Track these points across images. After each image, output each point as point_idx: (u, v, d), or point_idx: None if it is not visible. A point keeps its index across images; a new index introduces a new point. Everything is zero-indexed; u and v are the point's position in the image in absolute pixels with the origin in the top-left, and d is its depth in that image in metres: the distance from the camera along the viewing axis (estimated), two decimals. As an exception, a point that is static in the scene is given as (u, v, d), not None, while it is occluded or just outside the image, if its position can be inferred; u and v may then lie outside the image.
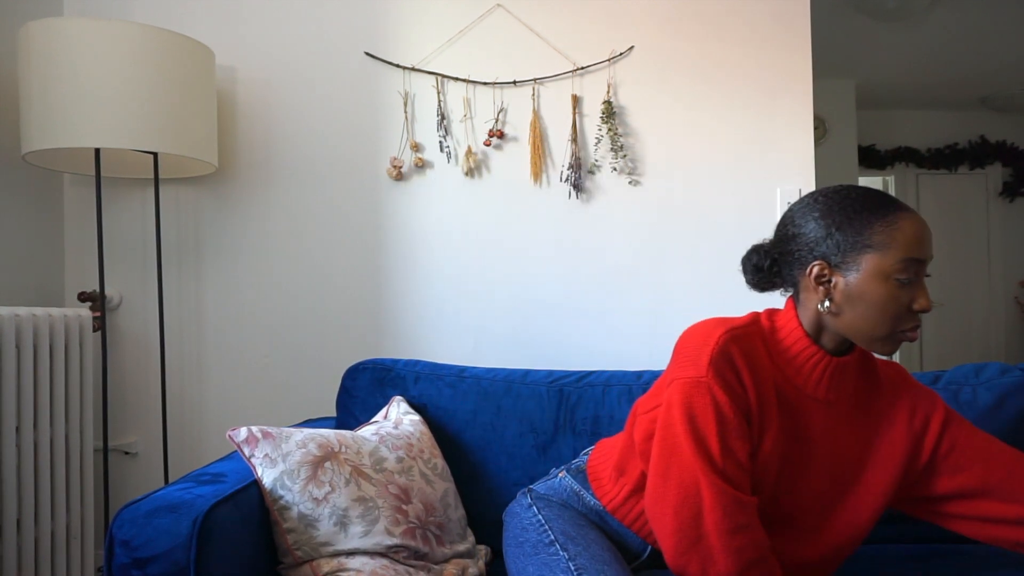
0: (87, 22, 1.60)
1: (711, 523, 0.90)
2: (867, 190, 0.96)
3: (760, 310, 1.06)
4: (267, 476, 1.15)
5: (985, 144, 5.01)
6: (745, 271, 1.07)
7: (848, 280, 0.93)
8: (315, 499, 1.14)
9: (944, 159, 5.04)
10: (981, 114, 5.03)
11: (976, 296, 5.07)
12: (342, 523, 1.14)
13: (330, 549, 1.13)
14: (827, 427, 1.02)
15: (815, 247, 0.95)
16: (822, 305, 0.95)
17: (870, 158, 4.99)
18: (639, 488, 1.08)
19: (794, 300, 1.02)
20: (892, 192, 5.11)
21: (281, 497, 1.14)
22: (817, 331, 0.99)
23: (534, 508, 1.13)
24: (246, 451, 1.16)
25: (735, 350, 0.94)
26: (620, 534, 1.12)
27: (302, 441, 1.19)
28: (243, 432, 1.17)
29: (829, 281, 0.95)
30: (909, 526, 1.40)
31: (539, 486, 1.20)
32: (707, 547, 0.90)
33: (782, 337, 1.00)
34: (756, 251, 1.06)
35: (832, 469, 1.03)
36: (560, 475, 1.20)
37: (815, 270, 0.95)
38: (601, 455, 1.18)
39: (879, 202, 0.93)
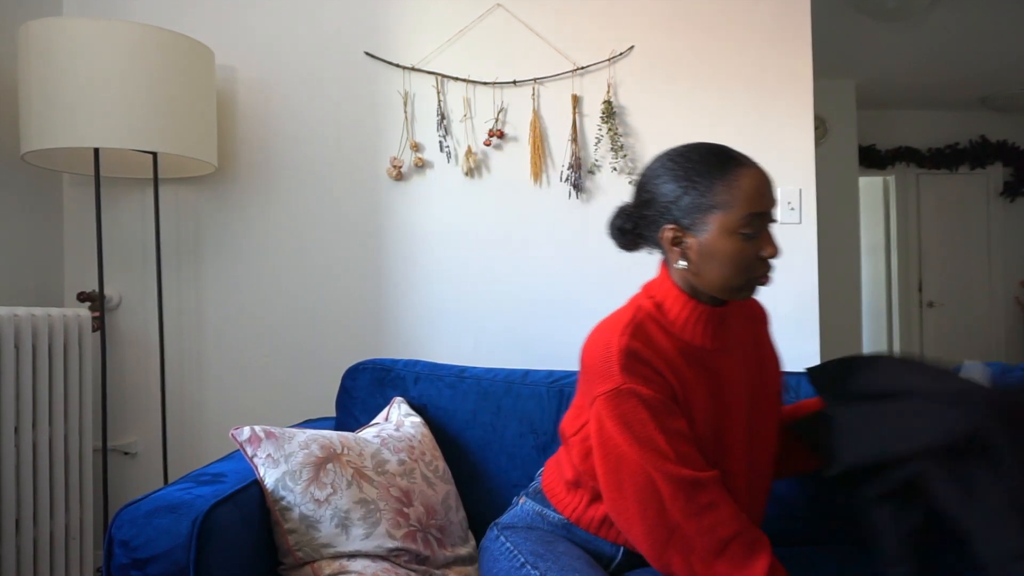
0: (87, 22, 1.60)
1: (676, 512, 0.92)
2: (709, 148, 0.99)
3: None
4: (269, 476, 1.15)
5: (985, 144, 5.01)
6: (611, 234, 1.11)
7: (700, 240, 0.97)
8: (317, 500, 1.14)
9: (944, 159, 5.04)
10: (981, 114, 5.03)
11: (976, 296, 5.07)
12: (343, 525, 1.14)
13: (331, 551, 1.13)
14: (733, 376, 1.07)
15: (666, 211, 0.99)
16: (678, 265, 1.01)
17: (870, 158, 4.99)
18: (597, 496, 1.09)
19: (664, 261, 1.07)
20: (893, 192, 5.11)
21: (283, 498, 1.14)
22: (691, 288, 1.04)
23: (501, 538, 1.14)
24: (248, 450, 1.16)
25: (637, 345, 0.97)
26: (590, 542, 1.12)
27: (305, 442, 1.19)
28: (246, 431, 1.17)
29: (683, 242, 0.99)
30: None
31: (504, 517, 1.21)
32: (681, 537, 0.92)
33: (668, 307, 1.04)
34: (619, 214, 1.09)
35: (748, 413, 1.08)
36: (521, 501, 1.21)
37: (668, 234, 1.00)
38: (553, 472, 1.19)
39: (719, 161, 0.97)
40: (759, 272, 0.99)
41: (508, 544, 1.11)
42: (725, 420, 1.05)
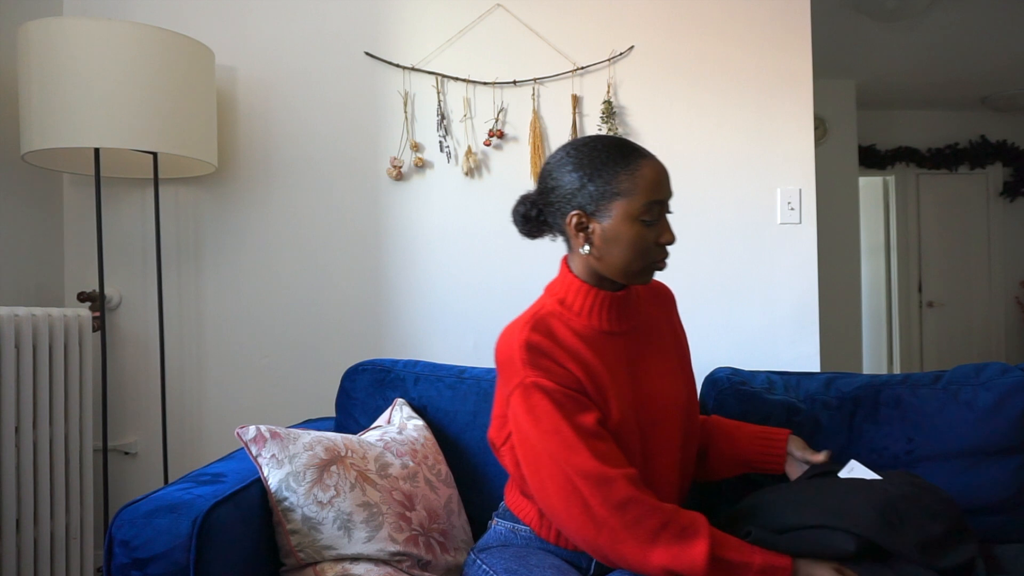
0: (87, 22, 1.60)
1: (599, 507, 0.93)
2: (611, 140, 1.05)
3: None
4: (273, 476, 1.14)
5: (985, 144, 5.01)
6: (515, 221, 1.14)
7: (603, 225, 1.02)
8: (320, 502, 1.14)
9: (944, 159, 5.04)
10: (981, 114, 5.03)
11: (976, 296, 5.07)
12: (346, 527, 1.14)
13: (333, 553, 1.13)
14: (650, 352, 1.11)
15: (572, 198, 1.03)
16: (582, 250, 1.05)
17: (870, 158, 4.99)
18: None
19: (567, 250, 1.12)
20: (893, 192, 5.11)
21: (286, 499, 1.13)
22: (592, 276, 1.08)
23: (478, 561, 1.14)
24: (253, 450, 1.16)
25: (538, 339, 1.01)
26: (561, 552, 1.12)
27: (309, 443, 1.19)
28: (251, 431, 1.16)
29: (587, 228, 1.04)
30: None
31: (480, 540, 1.21)
32: (610, 530, 0.93)
33: (571, 300, 1.08)
34: (523, 201, 1.13)
35: (675, 388, 1.11)
36: (493, 523, 1.21)
37: (574, 220, 1.03)
38: (513, 487, 1.19)
39: (623, 152, 1.02)
40: (657, 257, 1.05)
41: (484, 566, 1.11)
42: (650, 399, 1.08)
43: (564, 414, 0.97)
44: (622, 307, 1.10)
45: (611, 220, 1.01)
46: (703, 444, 1.26)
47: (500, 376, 1.06)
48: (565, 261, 1.12)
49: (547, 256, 1.98)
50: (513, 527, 1.16)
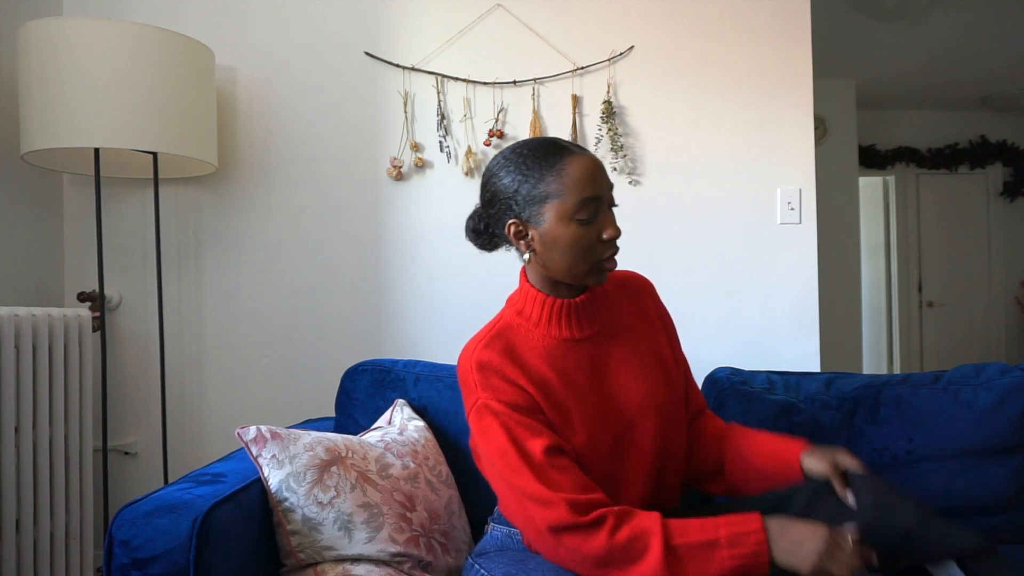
0: (87, 22, 1.60)
1: (545, 530, 0.92)
2: (539, 141, 1.02)
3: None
4: (273, 477, 1.14)
5: (985, 144, 5.01)
6: (468, 237, 1.14)
7: (540, 231, 0.99)
8: (320, 503, 1.14)
9: (944, 159, 5.04)
10: (981, 114, 5.03)
11: (976, 296, 5.07)
12: (346, 528, 1.14)
13: (334, 554, 1.13)
14: (622, 355, 1.08)
15: (508, 207, 1.01)
16: (524, 258, 1.04)
17: (870, 158, 4.99)
18: None
19: (524, 269, 1.10)
20: (892, 192, 5.11)
21: (286, 499, 1.13)
22: (548, 285, 1.06)
23: (476, 566, 1.12)
24: (253, 450, 1.16)
25: (490, 356, 1.00)
26: None
27: (309, 444, 1.19)
28: (252, 431, 1.16)
29: (527, 235, 1.01)
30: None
31: (478, 546, 1.20)
32: (566, 548, 0.92)
33: (529, 311, 1.06)
34: (472, 216, 1.12)
35: (634, 390, 1.08)
36: (489, 528, 1.20)
37: (512, 228, 1.02)
38: None
39: (548, 152, 0.99)
40: (604, 255, 1.01)
41: (483, 571, 1.10)
42: (618, 402, 1.05)
43: (511, 438, 0.95)
44: (583, 312, 1.07)
45: (546, 224, 0.98)
46: (719, 458, 1.17)
47: (462, 392, 1.05)
48: (523, 271, 1.10)
49: (547, 256, 1.98)
50: (508, 531, 1.15)
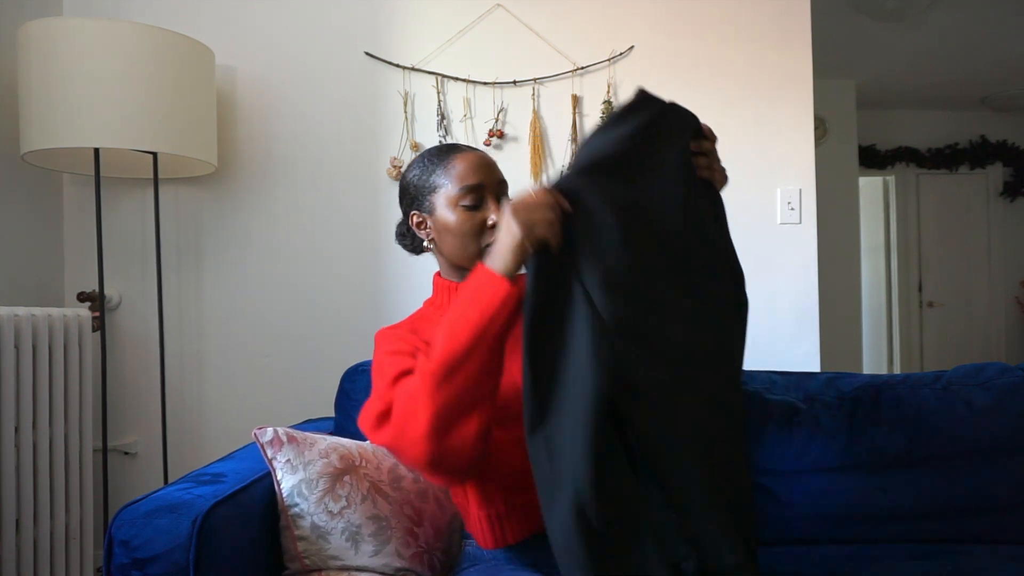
0: (87, 22, 1.60)
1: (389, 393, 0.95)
2: (440, 145, 1.15)
3: None
4: (286, 481, 1.14)
5: (985, 144, 5.01)
6: (397, 241, 1.24)
7: (434, 218, 1.10)
8: (330, 512, 1.13)
9: (944, 159, 5.04)
10: (981, 114, 5.03)
11: (976, 296, 5.07)
12: (354, 539, 1.13)
13: (339, 563, 1.13)
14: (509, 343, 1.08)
15: (412, 201, 1.13)
16: (426, 244, 1.13)
17: (870, 158, 4.99)
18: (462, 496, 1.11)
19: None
20: (892, 192, 5.11)
21: (296, 504, 1.13)
22: (454, 273, 1.13)
23: None
24: (269, 452, 1.15)
25: (392, 329, 1.09)
26: (517, 560, 1.09)
27: (325, 450, 1.18)
28: (269, 433, 1.16)
29: (425, 225, 1.12)
30: (907, 526, 1.40)
31: (457, 565, 1.19)
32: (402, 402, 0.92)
33: (434, 298, 1.16)
34: (400, 223, 1.22)
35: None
36: (464, 544, 1.20)
37: (414, 219, 1.13)
38: (455, 494, 1.17)
39: (443, 151, 1.11)
40: (490, 238, 1.06)
41: None
42: (508, 388, 1.04)
43: (386, 350, 1.02)
44: None
45: (437, 211, 1.08)
46: None
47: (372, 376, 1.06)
48: (437, 274, 1.18)
49: (547, 256, 1.98)
50: (474, 543, 1.13)
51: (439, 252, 1.13)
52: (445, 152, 1.11)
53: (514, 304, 0.87)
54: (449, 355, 0.86)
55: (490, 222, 1.07)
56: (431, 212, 1.10)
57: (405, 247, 1.23)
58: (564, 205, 0.87)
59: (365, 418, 0.97)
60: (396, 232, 1.23)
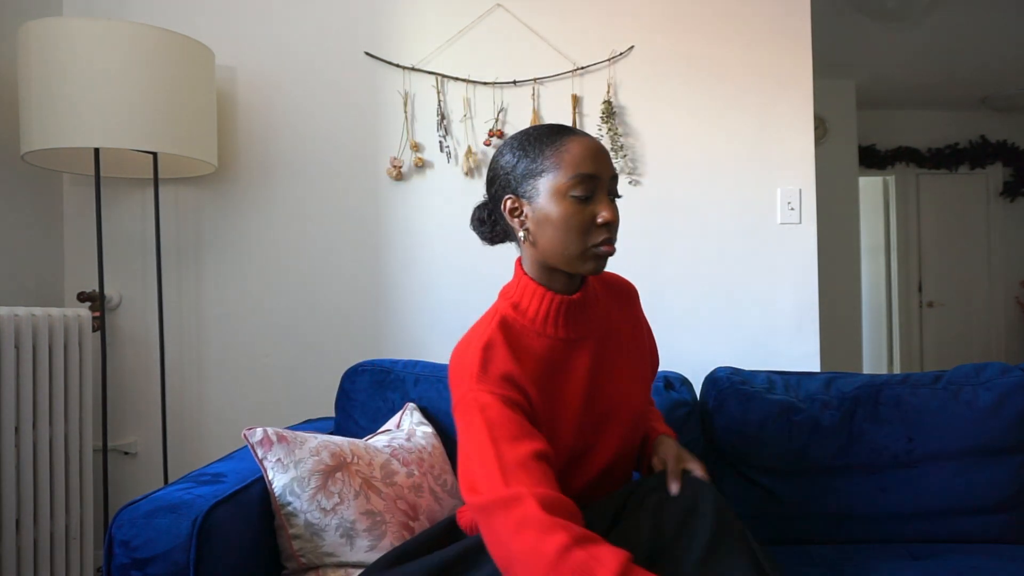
0: (87, 22, 1.60)
1: (501, 530, 0.82)
2: (545, 125, 1.01)
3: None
4: (277, 481, 1.14)
5: (985, 144, 5.01)
6: (473, 227, 1.11)
7: (534, 207, 0.97)
8: (323, 509, 1.13)
9: (944, 159, 5.04)
10: (981, 114, 5.03)
11: (976, 296, 5.07)
12: (348, 535, 1.13)
13: (335, 560, 1.13)
14: (605, 361, 1.06)
15: (507, 184, 1.00)
16: (519, 234, 1.00)
17: (870, 158, 4.99)
18: None
19: (519, 260, 1.06)
20: (892, 192, 5.11)
21: (289, 503, 1.13)
22: (544, 274, 1.02)
23: None
24: (259, 453, 1.16)
25: (493, 354, 0.94)
26: None
27: (315, 448, 1.18)
28: (259, 433, 1.16)
29: (521, 212, 0.99)
30: (907, 526, 1.40)
31: None
32: (518, 562, 0.81)
33: (526, 305, 1.02)
34: (479, 206, 1.10)
35: (622, 394, 1.06)
36: None
37: (508, 204, 1.00)
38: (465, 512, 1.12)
39: (551, 132, 0.99)
40: (597, 239, 0.96)
41: None
42: (604, 405, 1.04)
43: (494, 435, 0.87)
44: (579, 312, 1.04)
45: (541, 199, 0.96)
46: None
47: (451, 384, 0.96)
48: (519, 262, 1.06)
49: (547, 256, 1.98)
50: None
51: (531, 245, 1.00)
52: (556, 133, 0.98)
53: None
54: None
55: (600, 219, 0.95)
56: (531, 199, 0.97)
57: (482, 234, 1.10)
58: None
59: (471, 487, 0.86)
60: (473, 217, 1.11)
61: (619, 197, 1.02)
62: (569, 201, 0.95)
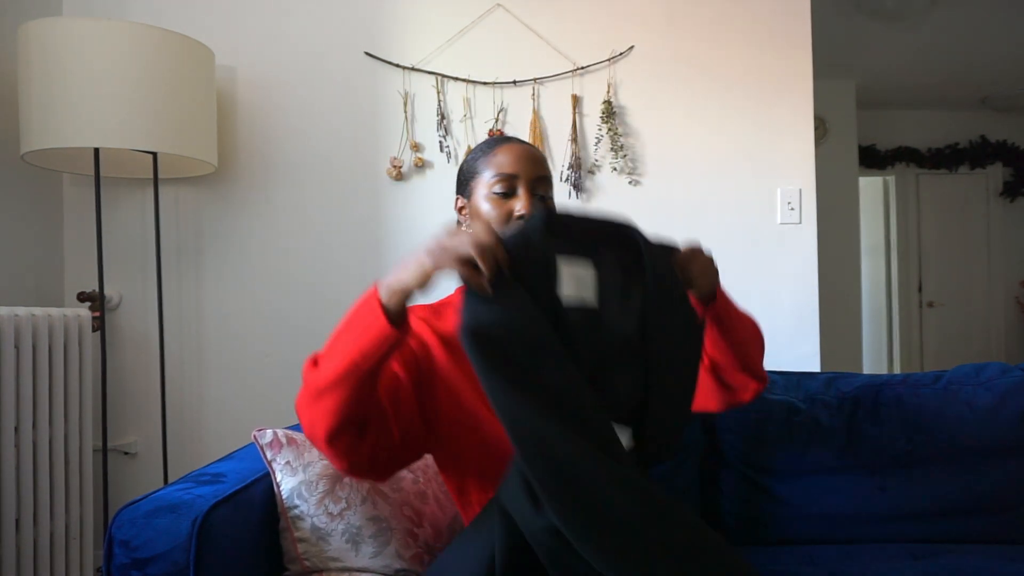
0: (86, 22, 1.60)
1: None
2: (495, 136, 1.14)
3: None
4: (285, 483, 1.14)
5: (985, 144, 5.01)
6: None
7: (471, 204, 1.10)
8: (330, 514, 1.13)
9: (944, 159, 5.03)
10: (981, 114, 5.03)
11: (976, 296, 5.07)
12: (354, 541, 1.13)
13: (339, 564, 1.13)
14: None
15: (458, 187, 1.14)
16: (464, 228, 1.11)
17: (870, 158, 4.99)
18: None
19: None
20: (893, 192, 5.11)
21: (296, 506, 1.13)
22: None
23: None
24: (268, 454, 1.15)
25: (429, 304, 1.09)
26: None
27: None
28: (269, 434, 1.16)
29: (465, 209, 1.12)
30: (907, 526, 1.40)
31: None
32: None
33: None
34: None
35: None
36: None
37: (457, 203, 1.13)
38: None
39: (492, 141, 1.12)
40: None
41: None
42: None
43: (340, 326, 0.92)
44: None
45: (474, 197, 1.09)
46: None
47: None
48: None
49: (547, 256, 1.98)
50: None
51: None
52: (496, 142, 1.12)
53: (388, 347, 0.85)
54: (322, 381, 0.86)
55: (516, 213, 1.05)
56: (469, 198, 1.10)
57: None
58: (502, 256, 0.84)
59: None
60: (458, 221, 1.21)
61: (548, 199, 1.09)
62: (492, 197, 1.06)
